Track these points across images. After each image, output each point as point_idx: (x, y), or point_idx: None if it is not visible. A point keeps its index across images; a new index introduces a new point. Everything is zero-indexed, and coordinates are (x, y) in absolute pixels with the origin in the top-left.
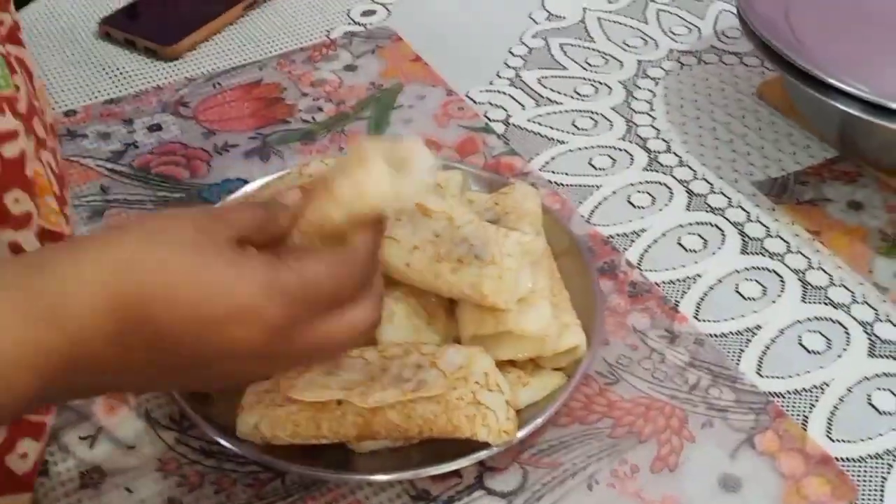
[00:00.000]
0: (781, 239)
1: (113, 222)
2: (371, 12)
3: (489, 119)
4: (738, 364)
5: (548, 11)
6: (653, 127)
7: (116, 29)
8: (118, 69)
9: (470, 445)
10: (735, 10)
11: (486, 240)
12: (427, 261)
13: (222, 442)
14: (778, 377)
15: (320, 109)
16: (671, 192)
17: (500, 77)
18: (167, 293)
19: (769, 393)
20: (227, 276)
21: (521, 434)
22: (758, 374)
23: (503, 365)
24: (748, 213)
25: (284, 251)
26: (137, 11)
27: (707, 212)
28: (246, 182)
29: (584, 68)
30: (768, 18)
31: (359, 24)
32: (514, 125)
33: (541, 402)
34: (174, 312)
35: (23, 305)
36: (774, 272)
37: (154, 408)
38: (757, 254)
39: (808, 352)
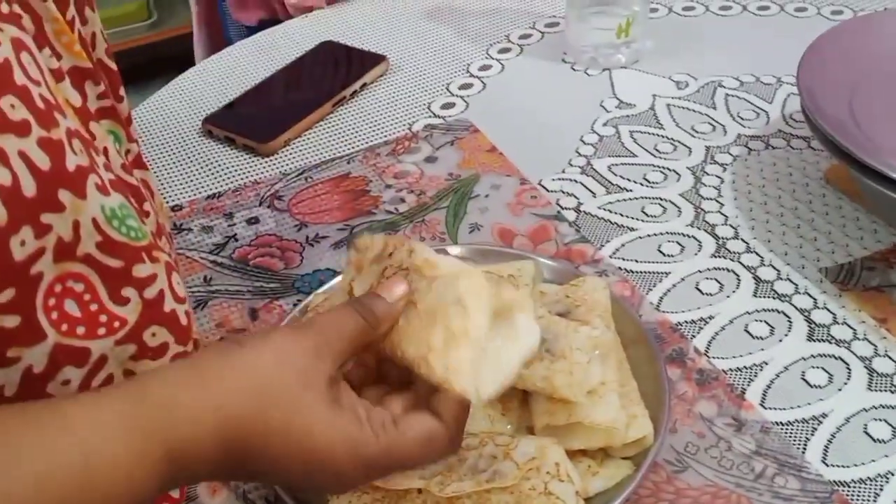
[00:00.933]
0: (848, 326)
1: (223, 345)
2: (450, 105)
3: (561, 207)
4: (803, 452)
5: (619, 99)
6: (720, 213)
7: (217, 127)
8: (220, 165)
9: None
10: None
11: (557, 334)
12: None
13: None
14: (843, 466)
15: (403, 200)
16: (738, 279)
17: (571, 165)
18: (265, 446)
19: (834, 482)
20: (322, 438)
21: None
22: (823, 462)
23: (574, 454)
24: (815, 299)
25: (378, 404)
26: (236, 110)
27: (774, 298)
28: (335, 273)
29: (654, 155)
30: (832, 110)
31: (438, 116)
32: (585, 212)
33: (610, 491)
34: (273, 462)
35: (131, 418)
36: (840, 359)
37: (251, 488)
38: (823, 341)
39: (874, 440)
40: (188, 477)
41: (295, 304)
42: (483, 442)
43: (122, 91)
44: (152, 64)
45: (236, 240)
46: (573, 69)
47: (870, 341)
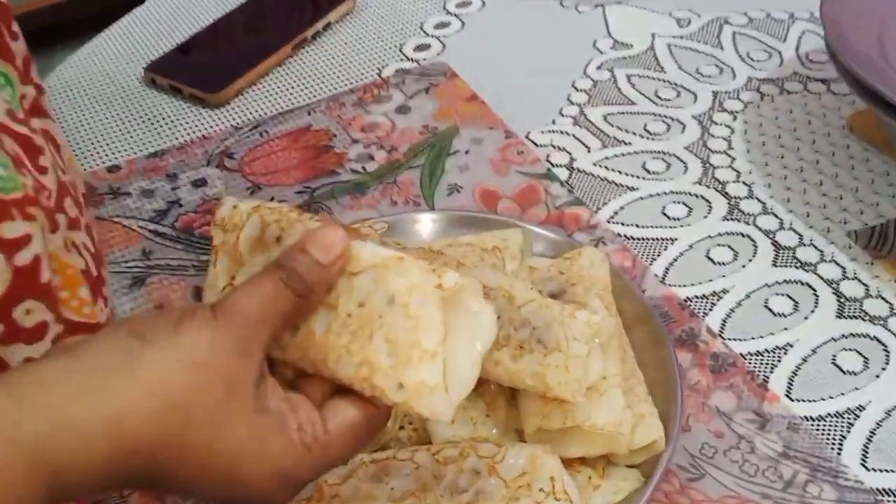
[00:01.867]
0: (883, 300)
1: (122, 343)
2: (425, 46)
3: (552, 164)
4: (839, 453)
5: (614, 39)
6: (732, 168)
7: (161, 75)
8: (163, 118)
9: None
10: (821, 32)
11: (549, 321)
12: None
13: None
14: (886, 470)
15: (371, 158)
16: (755, 246)
17: (562, 115)
18: (179, 473)
19: (878, 490)
20: (248, 466)
21: None
22: (863, 465)
23: (572, 462)
24: (843, 268)
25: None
26: (183, 56)
27: (797, 268)
28: None
29: (655, 102)
30: (860, 48)
31: (412, 59)
32: (578, 170)
33: None
34: (186, 487)
35: (8, 442)
36: (877, 339)
37: None
38: (855, 317)
39: None
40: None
41: None
42: (464, 454)
43: (15, 27)
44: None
45: (180, 205)
46: (562, 5)
47: None
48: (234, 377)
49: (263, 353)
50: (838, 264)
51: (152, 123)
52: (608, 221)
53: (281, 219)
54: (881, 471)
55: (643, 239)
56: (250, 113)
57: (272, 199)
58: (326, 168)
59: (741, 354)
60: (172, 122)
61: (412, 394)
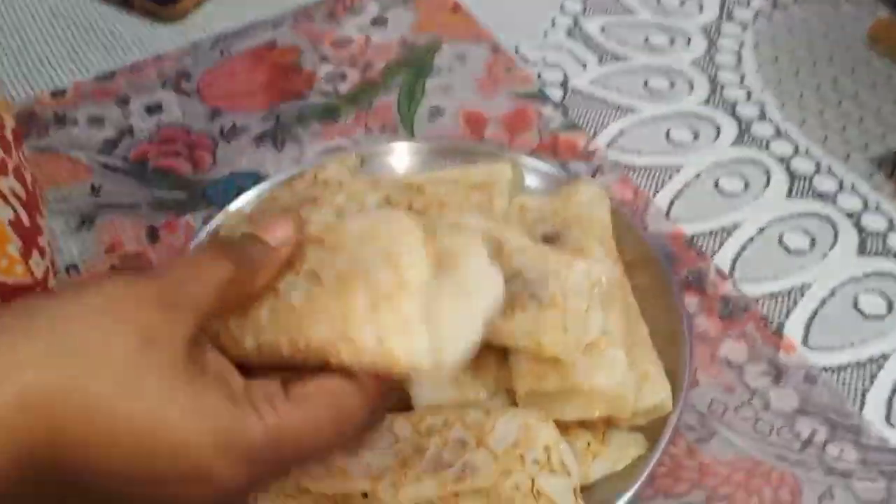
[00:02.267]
0: None
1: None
2: None
3: (544, 83)
4: (861, 408)
5: None
6: (742, 87)
7: None
8: (113, 35)
9: None
10: None
11: (544, 273)
12: None
13: None
14: None
15: (343, 77)
16: (768, 174)
17: (555, 26)
18: (87, 437)
19: None
20: (172, 423)
21: None
22: (887, 420)
23: (569, 427)
24: (865, 199)
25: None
26: None
27: (814, 199)
28: (257, 176)
29: (656, 11)
30: None
31: None
32: (573, 89)
33: (617, 479)
34: (97, 463)
35: None
36: None
37: None
38: (878, 254)
39: None
40: None
41: (205, 221)
42: (448, 423)
43: None
44: None
45: (132, 134)
46: None
47: None
48: (153, 329)
49: (196, 317)
50: (859, 194)
51: (100, 41)
52: (607, 148)
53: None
54: None
55: (645, 168)
56: (209, 28)
57: (233, 125)
58: (294, 90)
59: (754, 298)
60: (123, 39)
61: (390, 339)
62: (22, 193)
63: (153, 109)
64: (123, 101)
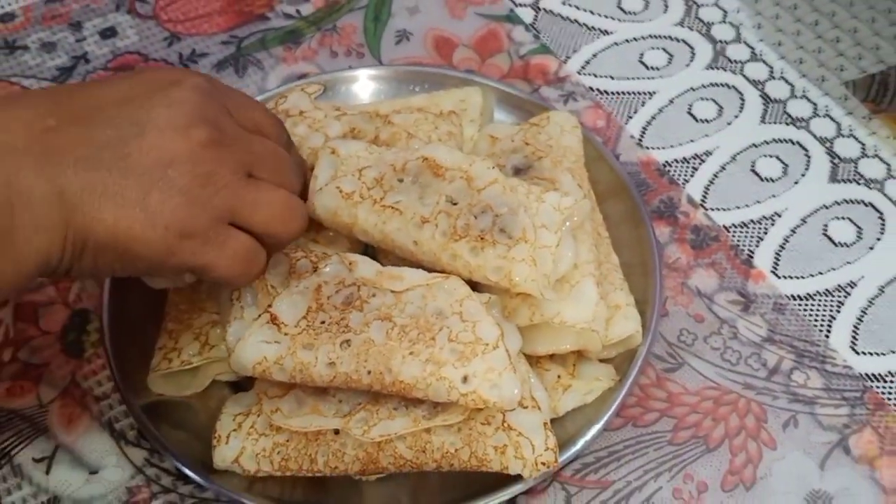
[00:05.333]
0: (880, 160)
1: None
2: None
3: (515, 3)
4: (827, 336)
5: None
6: (717, 7)
7: None
8: None
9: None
10: None
11: (514, 206)
12: (440, 238)
13: (199, 480)
14: (877, 353)
15: None
16: (742, 99)
17: None
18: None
19: (867, 376)
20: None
21: (563, 458)
22: (852, 348)
23: (540, 361)
24: (838, 124)
25: None
26: None
27: (787, 124)
28: None
29: None
30: None
31: None
32: (545, 10)
33: (587, 410)
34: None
35: None
36: (872, 206)
37: (120, 415)
38: (850, 181)
39: None
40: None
41: None
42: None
43: None
44: None
45: (87, 61)
46: None
47: None
48: None
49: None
50: (833, 119)
51: None
52: (579, 73)
53: (309, 254)
54: (872, 353)
55: (618, 93)
56: None
57: (192, 50)
58: (254, 12)
59: (724, 226)
60: None
61: (480, 381)
62: None
63: (108, 34)
64: (76, 26)
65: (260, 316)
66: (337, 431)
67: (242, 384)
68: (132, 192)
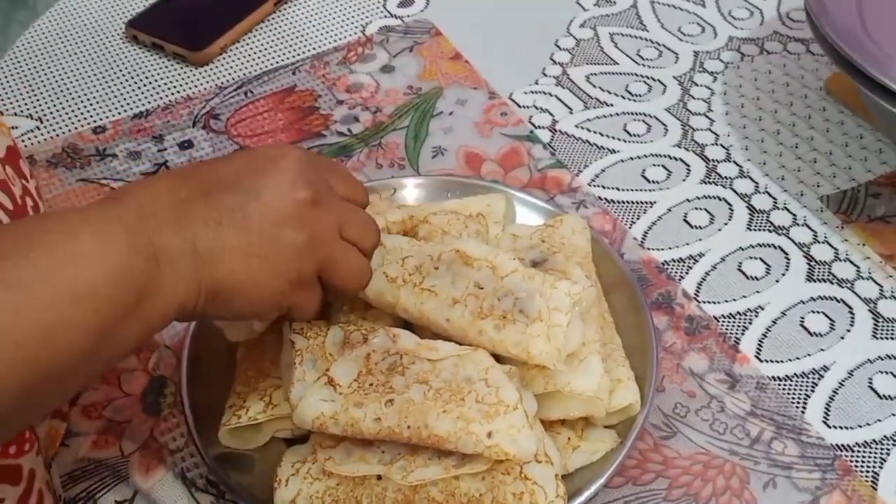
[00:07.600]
0: (851, 262)
1: None
2: (409, 2)
3: (534, 125)
4: (803, 412)
5: None
6: (711, 131)
7: (143, 32)
8: (146, 77)
9: None
10: None
11: (532, 292)
12: (469, 317)
13: None
14: (846, 427)
15: (356, 119)
16: (731, 209)
17: (545, 75)
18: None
19: (837, 446)
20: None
21: None
22: (825, 423)
23: (553, 424)
24: (815, 232)
25: None
26: (165, 12)
27: (770, 231)
28: None
29: (636, 62)
30: (839, 12)
31: (395, 16)
32: (560, 131)
33: (593, 467)
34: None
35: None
36: (843, 302)
37: (191, 466)
38: (824, 280)
39: (880, 397)
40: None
41: None
42: None
43: None
44: None
45: (168, 168)
46: None
47: (875, 280)
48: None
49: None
50: (810, 228)
51: (135, 83)
52: (589, 185)
53: (360, 328)
54: (841, 428)
55: (623, 202)
56: (234, 71)
57: None
58: (312, 130)
59: (714, 317)
60: (156, 81)
61: (502, 436)
62: (9, 205)
63: (185, 145)
64: (159, 138)
65: (319, 378)
66: (379, 477)
67: (296, 441)
68: (254, 247)
